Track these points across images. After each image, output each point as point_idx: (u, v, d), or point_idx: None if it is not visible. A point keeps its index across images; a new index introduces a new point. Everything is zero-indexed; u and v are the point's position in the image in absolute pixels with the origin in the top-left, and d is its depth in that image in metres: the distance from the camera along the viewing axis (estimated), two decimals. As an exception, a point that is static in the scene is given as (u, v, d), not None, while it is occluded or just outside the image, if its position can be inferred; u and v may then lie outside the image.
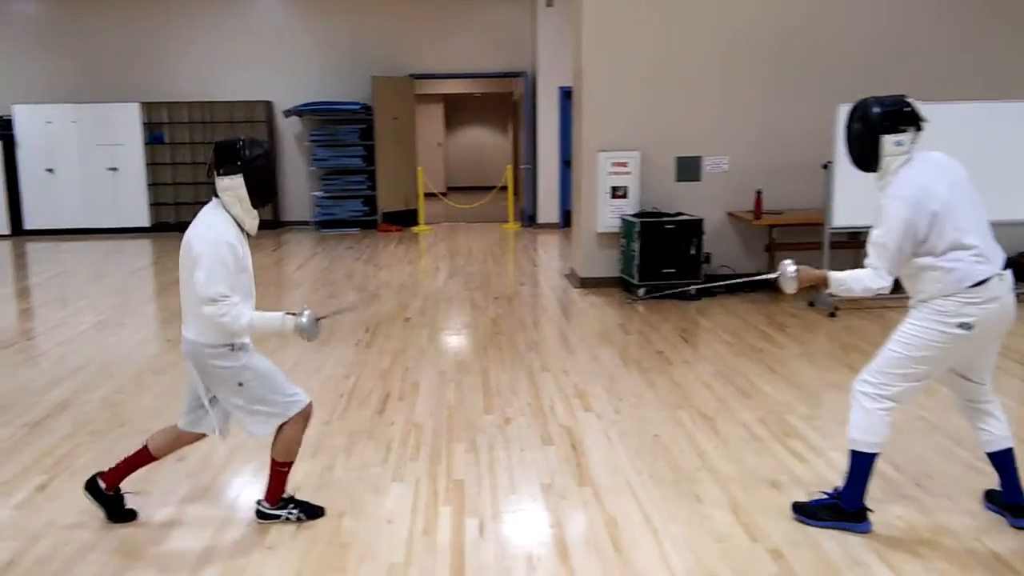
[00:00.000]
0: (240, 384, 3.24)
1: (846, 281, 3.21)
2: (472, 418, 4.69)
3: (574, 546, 3.25)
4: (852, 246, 8.21)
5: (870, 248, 3.13)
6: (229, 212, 3.21)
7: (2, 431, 4.59)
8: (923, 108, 3.16)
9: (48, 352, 6.30)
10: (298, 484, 3.71)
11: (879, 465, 3.83)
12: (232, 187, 3.17)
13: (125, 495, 3.51)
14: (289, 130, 13.73)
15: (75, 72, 13.35)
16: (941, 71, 8.04)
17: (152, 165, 13.27)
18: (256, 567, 3.12)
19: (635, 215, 8.01)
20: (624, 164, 8.18)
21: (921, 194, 3.04)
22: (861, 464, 3.26)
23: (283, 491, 3.46)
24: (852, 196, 6.97)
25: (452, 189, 20.26)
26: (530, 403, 4.93)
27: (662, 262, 7.73)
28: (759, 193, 7.87)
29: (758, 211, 7.84)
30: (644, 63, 8.12)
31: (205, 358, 3.22)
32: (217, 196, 3.23)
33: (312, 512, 3.49)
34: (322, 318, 3.33)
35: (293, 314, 3.22)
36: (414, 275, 9.42)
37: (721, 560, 3.12)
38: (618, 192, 8.20)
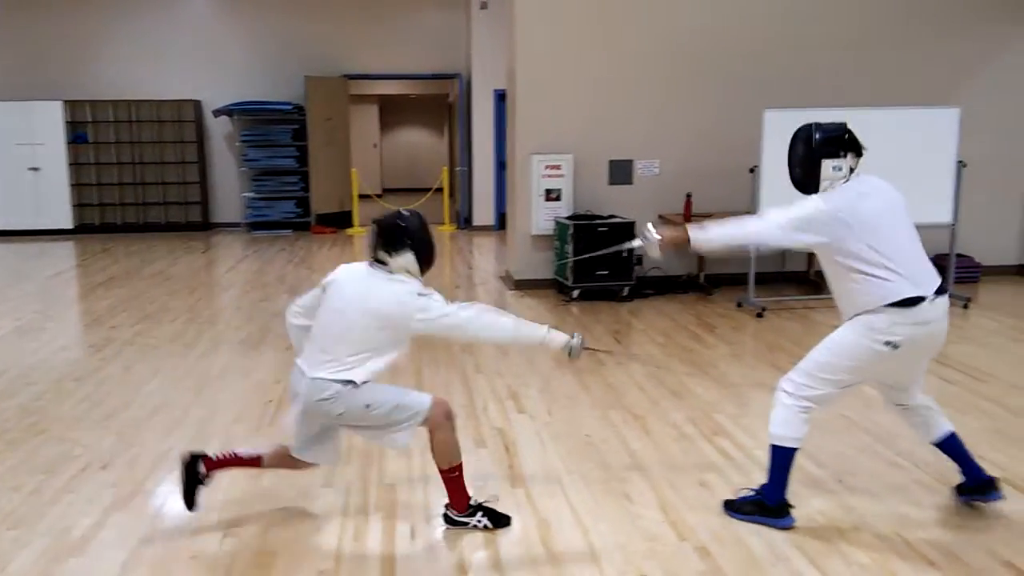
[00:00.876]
0: (367, 407, 3.22)
1: (709, 231, 3.34)
2: (405, 422, 4.66)
3: (506, 549, 3.26)
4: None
5: (777, 211, 3.27)
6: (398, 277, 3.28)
7: (-88, 442, 4.40)
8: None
9: (-37, 359, 6.07)
10: (228, 492, 3.65)
11: (801, 461, 3.93)
12: (406, 264, 3.27)
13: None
14: (219, 130, 13.47)
15: (-7, 68, 12.88)
16: (864, 79, 8.30)
17: (75, 165, 12.89)
18: (181, 572, 3.06)
19: (569, 218, 8.08)
20: (558, 167, 8.24)
21: (843, 204, 3.14)
22: (781, 459, 3.35)
23: (467, 496, 3.41)
24: (778, 200, 7.14)
25: (388, 191, 20.14)
26: (464, 405, 4.93)
27: (595, 264, 7.80)
28: (689, 196, 8.00)
29: (688, 214, 7.97)
30: (577, 67, 8.19)
31: (353, 399, 3.20)
32: (381, 263, 3.28)
33: (499, 520, 3.44)
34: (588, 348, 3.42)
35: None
36: (348, 278, 9.31)
37: (650, 558, 3.16)
38: (552, 195, 8.26)
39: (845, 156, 3.23)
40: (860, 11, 8.39)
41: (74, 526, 3.42)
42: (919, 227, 3.30)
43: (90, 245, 11.62)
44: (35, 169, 12.74)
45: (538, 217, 8.31)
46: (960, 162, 7.34)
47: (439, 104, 19.77)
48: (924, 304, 3.11)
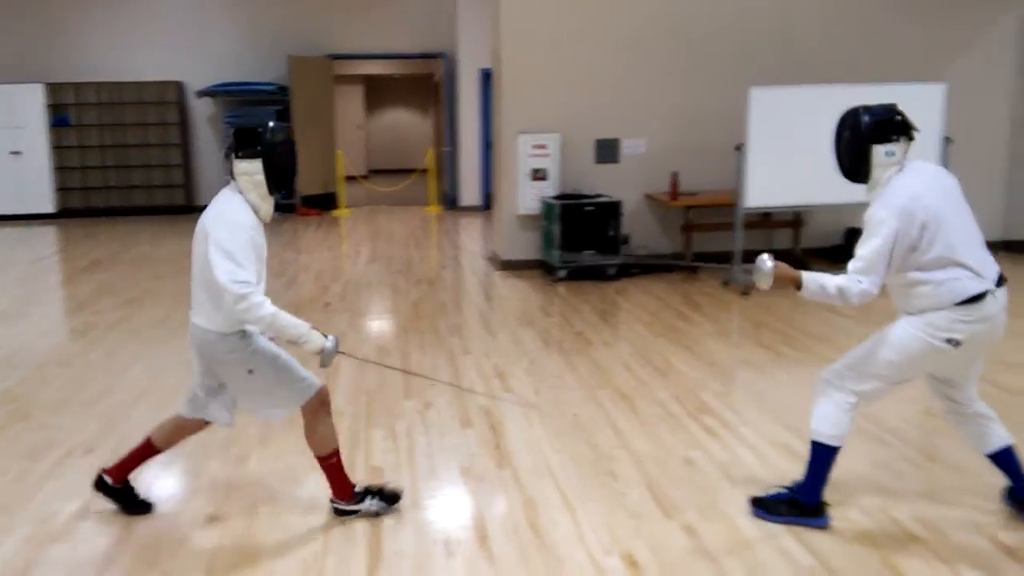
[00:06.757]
0: (250, 371, 3.14)
1: (821, 283, 3.03)
2: (392, 404, 4.66)
3: (493, 529, 3.26)
4: (764, 226, 8.43)
5: (855, 261, 2.99)
6: (245, 197, 3.10)
7: None
8: (911, 117, 3.07)
9: (-55, 345, 6.01)
10: (213, 477, 3.64)
11: (788, 439, 3.96)
12: (250, 171, 3.07)
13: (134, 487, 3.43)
14: (202, 111, 13.33)
15: (-30, 50, 12.69)
16: (848, 55, 8.27)
17: (58, 148, 12.74)
18: (167, 559, 3.04)
19: (555, 197, 8.05)
20: (544, 146, 8.20)
21: (912, 204, 2.93)
22: (822, 456, 3.19)
23: (349, 483, 3.35)
24: (764, 177, 7.15)
25: (373, 172, 20.02)
26: (451, 386, 4.92)
27: (582, 244, 7.78)
28: (675, 175, 7.99)
29: (674, 192, 7.96)
30: (563, 45, 8.13)
31: (215, 346, 3.12)
32: (233, 179, 3.12)
33: (390, 497, 3.39)
34: (342, 353, 3.23)
35: (318, 331, 3.11)
36: (334, 259, 9.28)
37: (636, 537, 3.17)
38: (538, 174, 8.22)
39: (897, 140, 3.02)
40: (846, -13, 8.36)
41: (58, 512, 3.40)
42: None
43: (73, 229, 11.49)
44: (16, 153, 12.59)
45: (525, 197, 8.28)
46: (946, 138, 7.34)
47: (425, 84, 19.61)
48: (987, 299, 2.94)
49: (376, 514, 3.33)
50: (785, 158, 7.11)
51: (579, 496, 3.50)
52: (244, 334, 3.12)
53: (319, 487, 3.60)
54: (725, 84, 7.95)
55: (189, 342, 3.21)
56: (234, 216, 3.04)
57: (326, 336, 3.11)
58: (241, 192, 3.10)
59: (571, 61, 8.16)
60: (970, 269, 2.95)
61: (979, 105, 8.51)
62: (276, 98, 12.92)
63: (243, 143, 3.07)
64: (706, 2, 8.20)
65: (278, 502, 3.50)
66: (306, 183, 13.07)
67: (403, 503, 3.44)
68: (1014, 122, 8.78)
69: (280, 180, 3.12)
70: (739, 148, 7.20)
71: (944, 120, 7.29)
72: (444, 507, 3.47)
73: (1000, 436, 3.20)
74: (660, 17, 8.17)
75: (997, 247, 8.80)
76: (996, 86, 8.68)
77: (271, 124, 3.11)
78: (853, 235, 8.22)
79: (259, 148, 3.06)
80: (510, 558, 3.06)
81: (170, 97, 12.94)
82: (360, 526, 3.29)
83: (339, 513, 3.35)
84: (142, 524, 3.32)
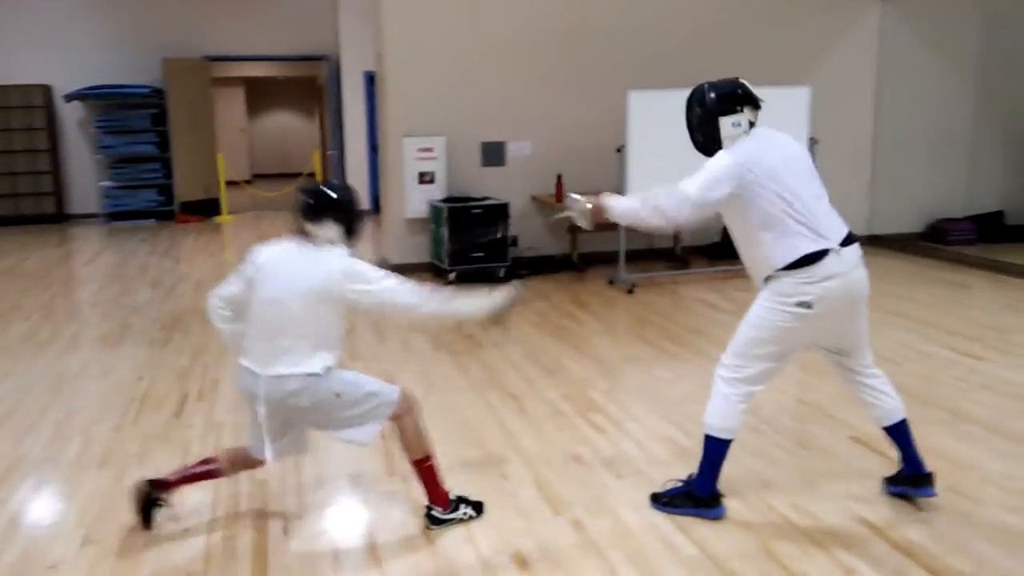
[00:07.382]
0: (338, 395, 3.08)
1: (631, 203, 3.29)
2: (278, 414, 4.55)
3: (382, 537, 3.24)
4: (648, 225, 8.66)
5: (671, 186, 3.15)
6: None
7: None
8: (756, 89, 3.24)
9: None
10: (88, 497, 3.48)
11: (669, 431, 4.07)
12: (327, 234, 3.13)
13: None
14: (71, 116, 12.70)
15: None
16: (726, 58, 8.57)
17: (-91, 155, 11.90)
18: (37, 591, 2.90)
19: (443, 200, 8.05)
20: (430, 149, 8.18)
21: (747, 161, 3.07)
22: (715, 450, 3.28)
23: (444, 489, 3.28)
24: (644, 178, 7.33)
25: (258, 176, 19.52)
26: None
27: (471, 246, 7.81)
28: (560, 177, 8.11)
29: (559, 194, 8.09)
30: (447, 48, 8.14)
31: (315, 388, 3.05)
32: (304, 235, 3.17)
33: (478, 507, 3.37)
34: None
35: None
36: (216, 268, 8.99)
37: (525, 535, 3.21)
38: (425, 177, 8.20)
39: (742, 111, 3.16)
40: (718, -6, 8.68)
41: (-86, 545, 3.19)
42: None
43: (-71, 241, 10.77)
44: None
45: (412, 200, 8.24)
46: (812, 139, 7.71)
47: (308, 86, 19.24)
48: (829, 258, 3.04)
49: (470, 518, 3.31)
50: (663, 159, 7.27)
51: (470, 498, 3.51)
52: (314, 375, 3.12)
53: (199, 502, 3.50)
54: (606, 87, 8.12)
55: (258, 401, 3.11)
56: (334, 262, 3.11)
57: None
58: (320, 247, 3.15)
59: (455, 63, 8.17)
60: (806, 228, 3.04)
61: (843, 106, 8.99)
62: (151, 101, 12.45)
63: (314, 211, 3.14)
64: (587, 6, 8.35)
65: (156, 520, 3.37)
66: (185, 189, 12.66)
67: (291, 515, 3.38)
68: (875, 122, 9.31)
69: (353, 232, 3.22)
70: (620, 150, 7.37)
71: (810, 122, 7.67)
72: (332, 518, 3.43)
73: (892, 410, 3.34)
74: (543, 20, 8.28)
75: (861, 242, 9.34)
76: (858, 87, 9.18)
77: (330, 186, 3.24)
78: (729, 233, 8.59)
79: (330, 212, 3.14)
80: (400, 565, 3.04)
81: (36, 101, 12.28)
82: (244, 541, 3.21)
83: (435, 522, 3.28)
84: (10, 547, 3.14)
